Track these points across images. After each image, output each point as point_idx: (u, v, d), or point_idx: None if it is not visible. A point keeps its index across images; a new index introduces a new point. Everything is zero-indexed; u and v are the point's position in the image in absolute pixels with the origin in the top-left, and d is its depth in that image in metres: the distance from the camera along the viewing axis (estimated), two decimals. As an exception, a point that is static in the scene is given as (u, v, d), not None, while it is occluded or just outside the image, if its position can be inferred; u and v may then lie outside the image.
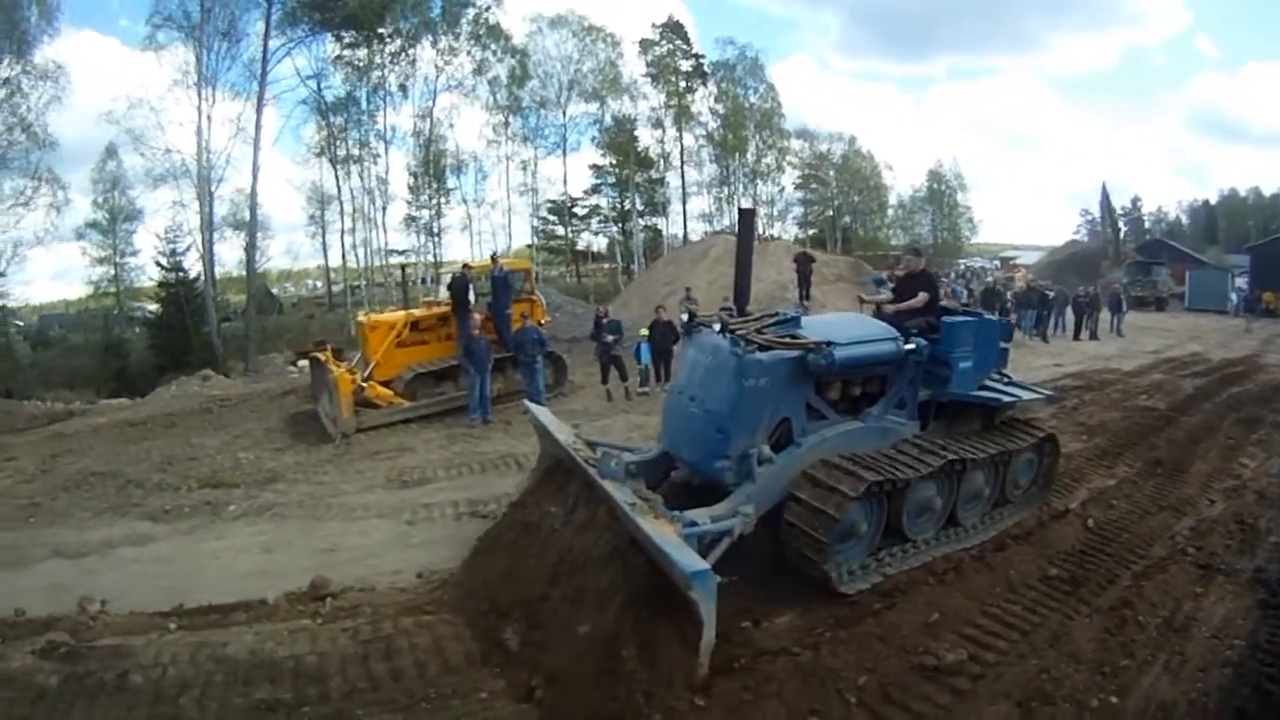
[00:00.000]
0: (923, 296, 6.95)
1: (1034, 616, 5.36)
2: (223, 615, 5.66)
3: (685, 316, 7.24)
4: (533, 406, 7.50)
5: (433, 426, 11.92)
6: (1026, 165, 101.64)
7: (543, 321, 13.64)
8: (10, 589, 6.26)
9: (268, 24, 34.56)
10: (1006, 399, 6.81)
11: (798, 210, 54.56)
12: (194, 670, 4.79)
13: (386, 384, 12.10)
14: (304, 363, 18.98)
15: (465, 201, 45.17)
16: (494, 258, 14.70)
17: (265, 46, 34.60)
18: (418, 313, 13.65)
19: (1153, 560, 6.38)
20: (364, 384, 11.62)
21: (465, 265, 14.61)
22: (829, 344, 5.60)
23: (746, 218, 7.21)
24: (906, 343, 6.31)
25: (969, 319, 6.94)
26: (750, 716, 4.20)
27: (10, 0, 28.68)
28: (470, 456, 10.20)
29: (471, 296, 13.12)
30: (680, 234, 49.09)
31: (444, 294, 13.84)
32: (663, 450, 6.34)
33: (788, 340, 5.83)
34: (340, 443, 10.83)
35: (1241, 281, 42.91)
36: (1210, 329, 28.15)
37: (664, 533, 4.41)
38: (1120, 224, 63.68)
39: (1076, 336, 23.25)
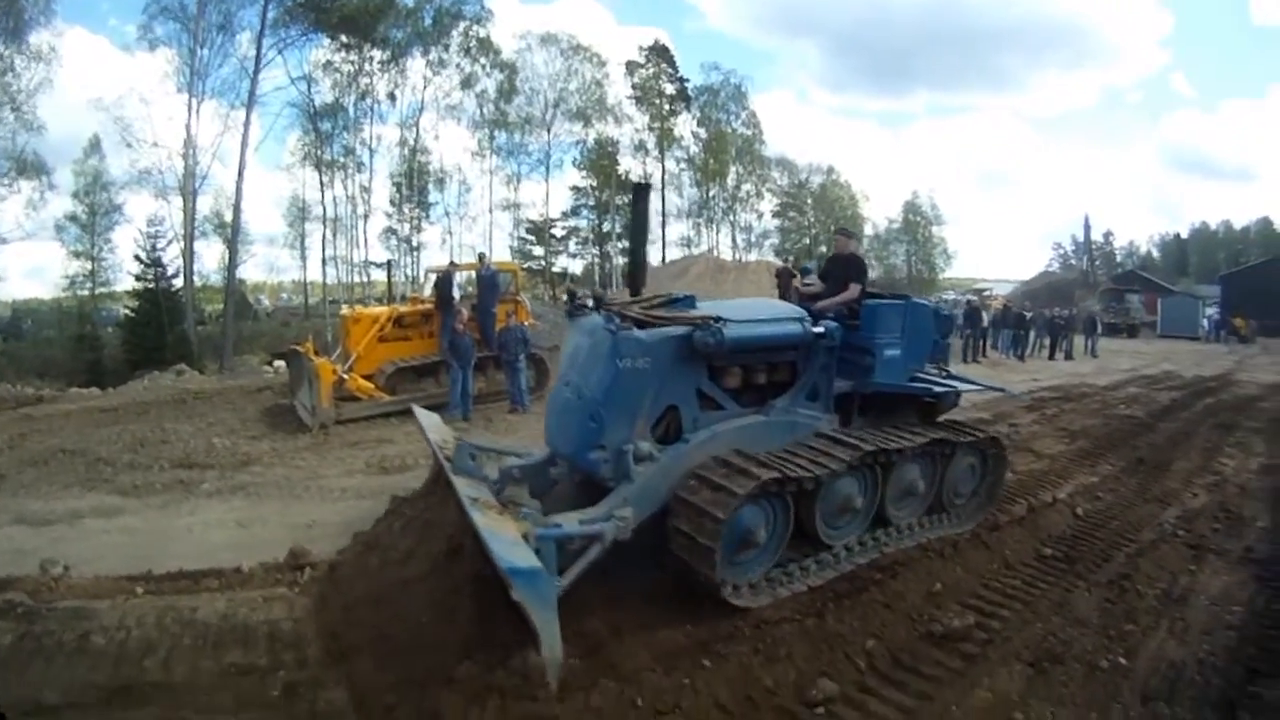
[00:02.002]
0: (854, 288, 6.40)
1: (1034, 589, 5.31)
2: (193, 581, 5.42)
3: (566, 297, 6.81)
4: (418, 410, 6.97)
5: (412, 421, 11.55)
6: (1001, 201, 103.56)
7: (528, 323, 13.51)
8: (-34, 554, 5.96)
9: (263, 20, 34.40)
10: (940, 390, 6.32)
11: (775, 239, 55.08)
12: (160, 633, 4.58)
13: (367, 378, 11.91)
14: (280, 363, 18.71)
15: (447, 214, 45.09)
16: (481, 257, 14.75)
17: (259, 44, 34.47)
18: (402, 308, 13.53)
19: (1144, 543, 6.37)
20: (345, 375, 11.39)
21: (452, 263, 14.60)
22: (718, 320, 4.94)
23: (641, 193, 6.71)
24: (815, 325, 5.64)
25: (895, 302, 6.36)
26: (761, 678, 4.09)
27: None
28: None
29: (456, 294, 13.03)
30: (659, 258, 49.11)
31: (429, 292, 13.70)
32: (550, 452, 5.62)
33: (671, 316, 5.24)
34: (318, 432, 10.57)
35: (1213, 310, 43.99)
36: (1183, 352, 28.93)
37: (498, 529, 3.95)
38: (1094, 256, 65.08)
39: (1051, 356, 23.80)
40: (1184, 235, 79.70)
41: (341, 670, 4.18)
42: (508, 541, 3.76)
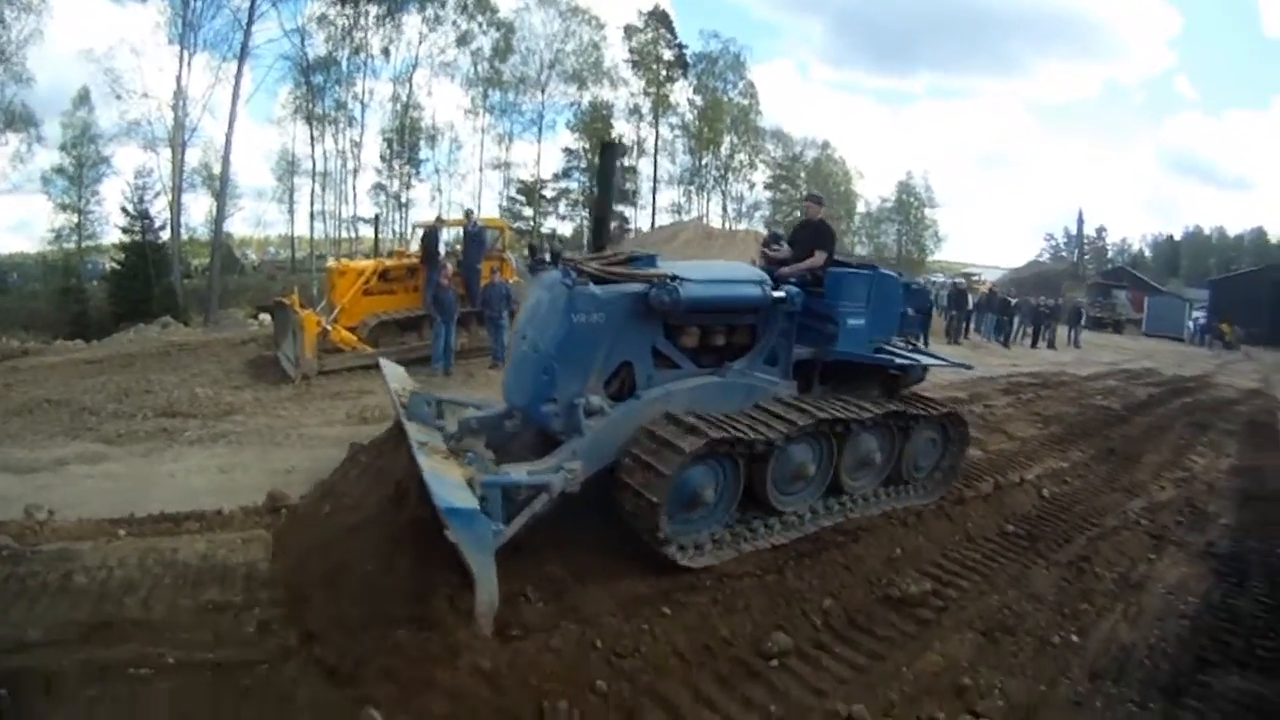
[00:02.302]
0: (820, 255, 6.31)
1: (993, 563, 5.45)
2: (174, 524, 5.47)
3: (526, 253, 6.78)
4: (384, 362, 6.95)
5: (394, 374, 11.71)
6: (996, 187, 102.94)
7: (512, 280, 13.52)
8: (-47, 501, 6.01)
9: None
10: (903, 362, 6.28)
11: (766, 210, 54.81)
12: (141, 573, 4.63)
13: (351, 330, 11.92)
14: (265, 316, 18.65)
15: (437, 172, 44.74)
16: (468, 213, 14.67)
17: None
18: (388, 262, 13.54)
19: (1107, 528, 6.50)
20: (329, 327, 11.42)
21: (439, 218, 14.58)
22: (674, 278, 4.96)
23: (610, 152, 6.64)
24: (776, 290, 5.62)
25: (861, 272, 6.32)
26: (719, 628, 4.23)
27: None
28: (430, 402, 10.02)
29: (442, 250, 13.04)
30: (649, 224, 48.80)
31: (415, 247, 13.68)
32: (508, 405, 5.66)
33: (628, 273, 5.22)
34: (301, 383, 10.61)
35: (1199, 313, 44.22)
36: (1166, 351, 29.17)
37: (442, 472, 3.99)
38: (1085, 250, 65.28)
39: (1034, 344, 23.98)
40: (1177, 237, 79.93)
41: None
42: (450, 484, 3.80)
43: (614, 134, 47.61)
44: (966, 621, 4.58)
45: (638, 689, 3.72)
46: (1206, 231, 79.88)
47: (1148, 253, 79.48)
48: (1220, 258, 73.05)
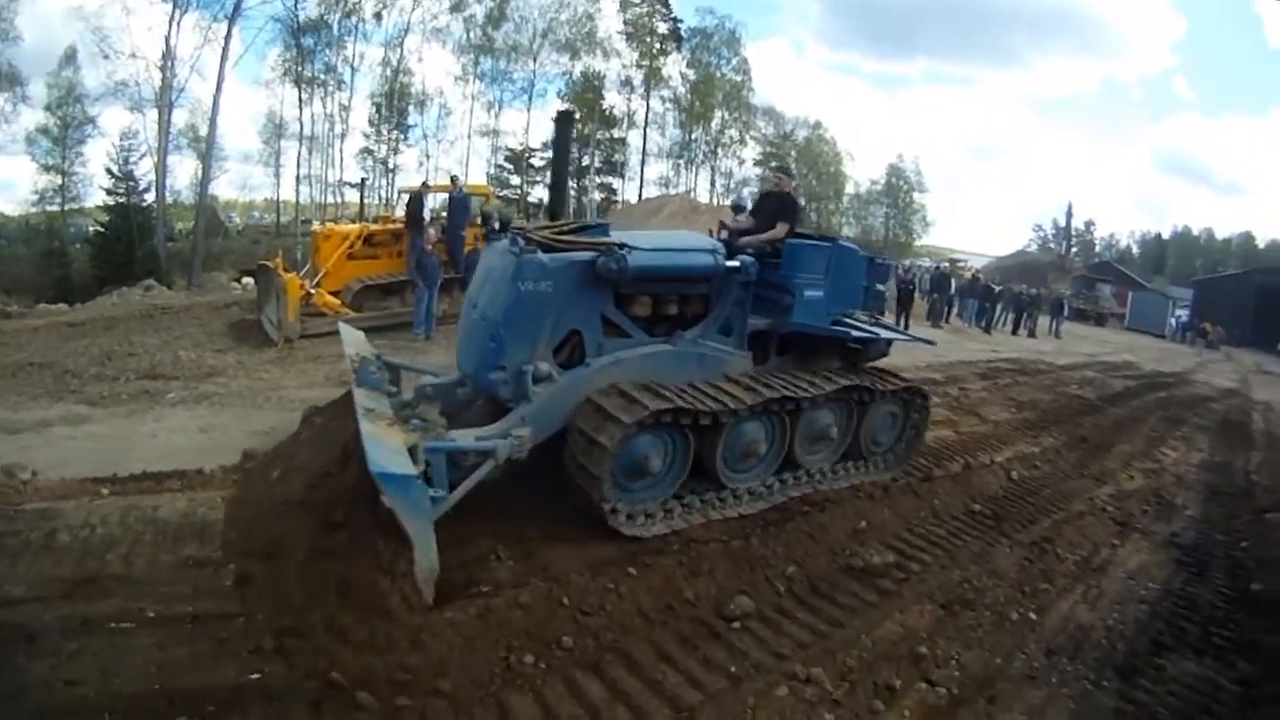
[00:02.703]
0: (781, 227, 6.21)
1: (957, 540, 5.60)
2: (156, 482, 5.52)
3: (480, 221, 6.73)
4: (343, 326, 6.86)
5: (376, 339, 11.52)
6: (988, 176, 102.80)
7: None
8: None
9: None
10: (860, 335, 6.18)
11: (754, 187, 54.60)
12: (123, 530, 4.69)
13: (334, 294, 11.95)
14: (249, 280, 18.56)
15: (425, 137, 44.11)
16: (454, 179, 14.61)
17: None
18: (373, 227, 13.57)
19: (1072, 513, 6.66)
20: (312, 290, 11.43)
21: (425, 184, 14.59)
22: (623, 246, 4.91)
23: (564, 121, 6.50)
24: (730, 259, 5.57)
25: (820, 244, 6.27)
26: (683, 589, 4.34)
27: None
28: (411, 366, 10.07)
29: (427, 215, 13.05)
30: (636, 197, 48.13)
31: (400, 212, 13.71)
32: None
33: (577, 241, 5.15)
34: (283, 346, 10.63)
35: (1182, 311, 44.61)
36: (1147, 347, 29.46)
37: (382, 437, 3.95)
38: (1073, 243, 65.51)
39: (1015, 331, 24.20)
40: (1165, 236, 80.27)
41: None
42: (388, 449, 3.78)
43: (606, 105, 47.54)
44: (927, 594, 4.70)
45: (602, 645, 3.84)
46: (1195, 232, 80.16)
47: (1135, 249, 79.81)
48: (1207, 259, 73.42)
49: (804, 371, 5.91)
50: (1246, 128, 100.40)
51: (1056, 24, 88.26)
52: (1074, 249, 65.24)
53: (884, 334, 6.54)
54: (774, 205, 6.52)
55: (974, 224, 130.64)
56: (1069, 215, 64.19)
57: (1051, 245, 65.81)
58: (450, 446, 4.33)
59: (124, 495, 5.29)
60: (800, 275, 5.84)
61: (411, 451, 3.96)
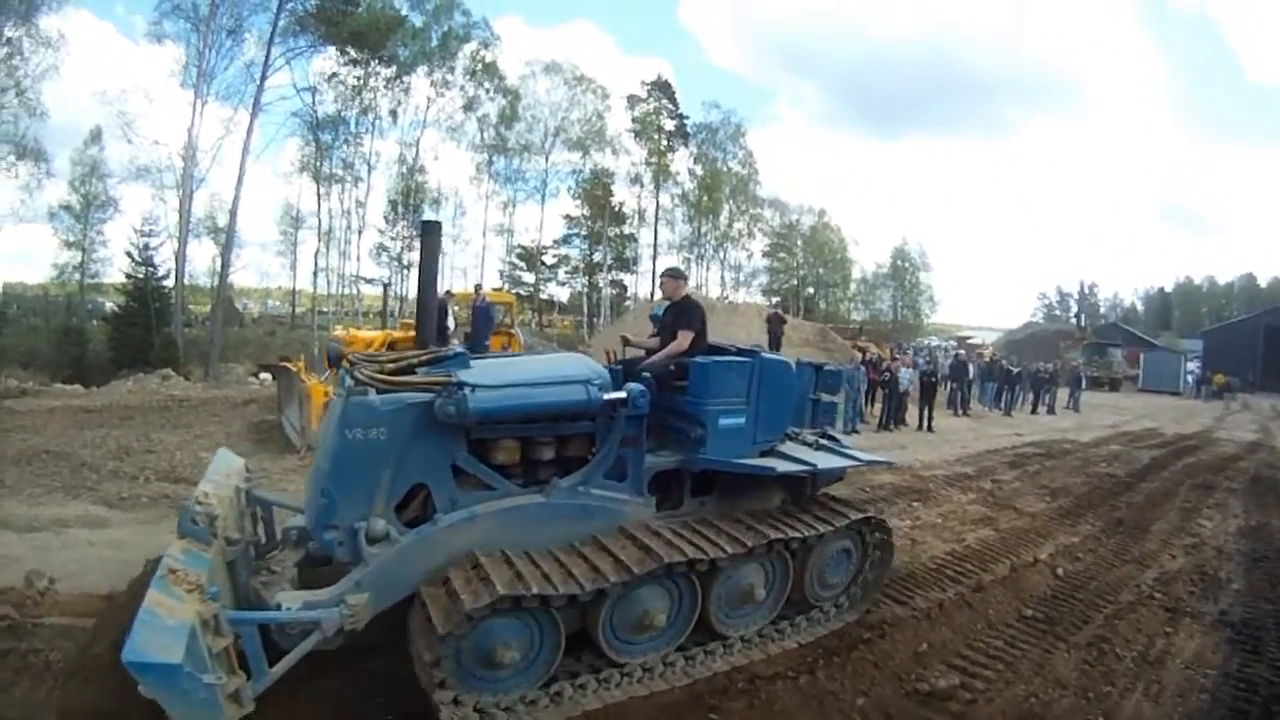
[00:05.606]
0: (684, 337, 5.46)
1: (1015, 650, 5.56)
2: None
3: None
4: (221, 451, 5.69)
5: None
6: (987, 247, 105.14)
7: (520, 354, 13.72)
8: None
9: (274, 28, 34.30)
10: (788, 470, 5.19)
11: (763, 278, 55.64)
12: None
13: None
14: (265, 375, 18.60)
15: (442, 236, 44.74)
16: (478, 288, 14.86)
17: (268, 51, 34.25)
18: (396, 334, 13.55)
19: (1122, 604, 6.63)
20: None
21: (448, 292, 14.69)
22: (463, 385, 4.19)
23: (431, 231, 5.78)
24: (613, 390, 4.67)
25: (737, 359, 5.35)
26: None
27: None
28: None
29: (451, 323, 13.07)
30: (647, 292, 48.80)
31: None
32: None
33: (414, 380, 4.41)
34: (306, 453, 10.42)
35: (1194, 364, 44.64)
36: (1164, 407, 29.37)
37: (162, 610, 3.17)
38: (1083, 310, 66.12)
39: (1034, 410, 24.08)
40: (1168, 289, 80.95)
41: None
42: (161, 626, 3.08)
43: (616, 201, 48.49)
44: (997, 713, 4.67)
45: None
46: (1197, 281, 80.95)
47: (1140, 306, 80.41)
48: (1212, 306, 74.05)
49: (724, 518, 5.10)
50: (1236, 168, 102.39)
51: (1041, 89, 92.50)
52: (1084, 317, 65.75)
53: (824, 464, 5.48)
54: (673, 316, 5.74)
55: (977, 298, 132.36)
56: (1081, 289, 64.97)
57: (1058, 312, 66.35)
58: (260, 618, 3.71)
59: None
60: (712, 401, 5.03)
61: (211, 624, 3.31)
